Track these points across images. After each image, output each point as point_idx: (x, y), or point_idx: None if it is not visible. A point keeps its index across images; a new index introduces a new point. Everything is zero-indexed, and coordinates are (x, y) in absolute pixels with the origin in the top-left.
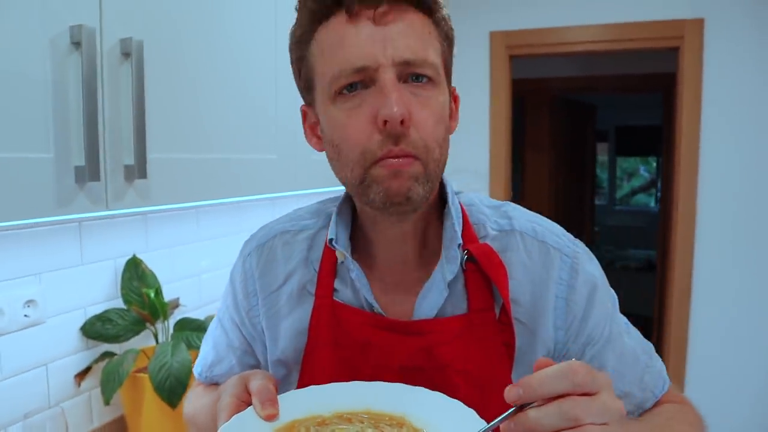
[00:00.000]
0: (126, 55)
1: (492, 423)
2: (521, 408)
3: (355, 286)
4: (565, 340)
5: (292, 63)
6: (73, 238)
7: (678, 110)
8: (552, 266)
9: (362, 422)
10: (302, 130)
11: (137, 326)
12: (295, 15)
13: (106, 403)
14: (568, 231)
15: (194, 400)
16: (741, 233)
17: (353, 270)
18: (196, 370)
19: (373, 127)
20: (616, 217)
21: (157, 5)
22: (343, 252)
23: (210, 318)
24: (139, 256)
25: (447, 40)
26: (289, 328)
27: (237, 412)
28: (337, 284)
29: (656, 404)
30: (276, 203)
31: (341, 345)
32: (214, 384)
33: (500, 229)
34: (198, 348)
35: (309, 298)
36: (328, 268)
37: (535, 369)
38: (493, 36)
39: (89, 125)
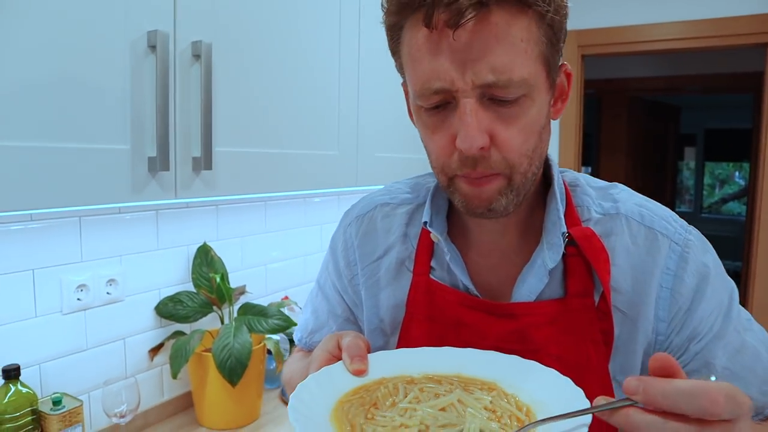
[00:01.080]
0: (196, 56)
1: (598, 407)
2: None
3: (450, 267)
4: (668, 333)
5: (390, 49)
6: (150, 224)
7: (765, 111)
8: (659, 254)
9: (452, 384)
10: (364, 129)
11: (205, 309)
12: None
13: (174, 376)
14: None
15: (292, 364)
16: None
17: (448, 253)
18: (296, 336)
19: (453, 147)
20: (702, 226)
21: (225, 10)
22: (437, 236)
23: (273, 305)
24: (210, 243)
25: (551, 30)
26: (386, 299)
27: (327, 365)
28: (433, 263)
29: None
30: (341, 198)
31: (436, 321)
32: (312, 350)
33: (604, 213)
34: (259, 332)
35: (407, 274)
36: (426, 246)
37: (653, 367)
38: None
39: (161, 120)
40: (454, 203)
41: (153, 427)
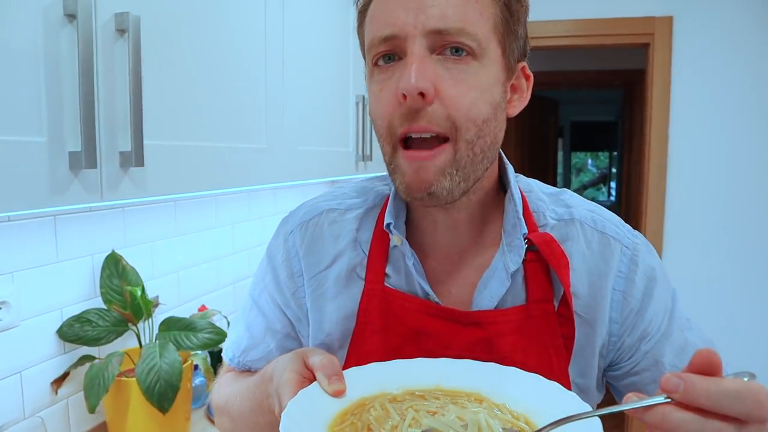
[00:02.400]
0: (122, 31)
1: (630, 405)
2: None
3: (409, 273)
4: (620, 333)
5: (357, 31)
6: (47, 233)
7: (647, 106)
8: (612, 258)
9: (438, 399)
10: (291, 120)
11: (119, 327)
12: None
13: (91, 411)
14: None
15: (225, 387)
16: (709, 229)
17: (409, 257)
18: (227, 355)
19: (397, 101)
20: None
21: None
22: (400, 237)
23: (196, 317)
24: (117, 251)
25: (508, 11)
26: (335, 311)
27: (301, 388)
28: (388, 269)
29: None
30: (251, 197)
31: (391, 332)
32: (246, 370)
33: (559, 218)
34: (187, 348)
35: (358, 282)
36: (380, 252)
37: (698, 363)
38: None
39: (85, 107)
40: (396, 187)
41: None
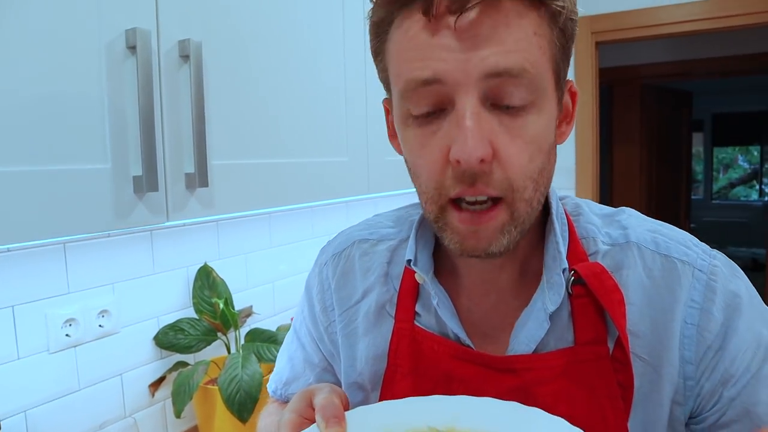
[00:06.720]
0: (184, 57)
1: None
2: None
3: (438, 313)
4: (697, 376)
5: (371, 50)
6: (144, 246)
7: None
8: (679, 286)
9: None
10: (373, 131)
11: (209, 336)
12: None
13: (177, 415)
14: None
15: (265, 418)
16: None
17: (435, 296)
18: (270, 387)
19: (446, 162)
20: (714, 212)
21: (216, 4)
22: (422, 276)
23: (283, 328)
24: (211, 263)
25: (563, 35)
26: (366, 349)
27: (300, 430)
28: (418, 308)
29: None
30: (350, 206)
31: (422, 376)
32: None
33: (613, 243)
34: (269, 360)
35: (388, 320)
36: (409, 288)
37: None
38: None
39: (146, 133)
40: (444, 243)
41: None
